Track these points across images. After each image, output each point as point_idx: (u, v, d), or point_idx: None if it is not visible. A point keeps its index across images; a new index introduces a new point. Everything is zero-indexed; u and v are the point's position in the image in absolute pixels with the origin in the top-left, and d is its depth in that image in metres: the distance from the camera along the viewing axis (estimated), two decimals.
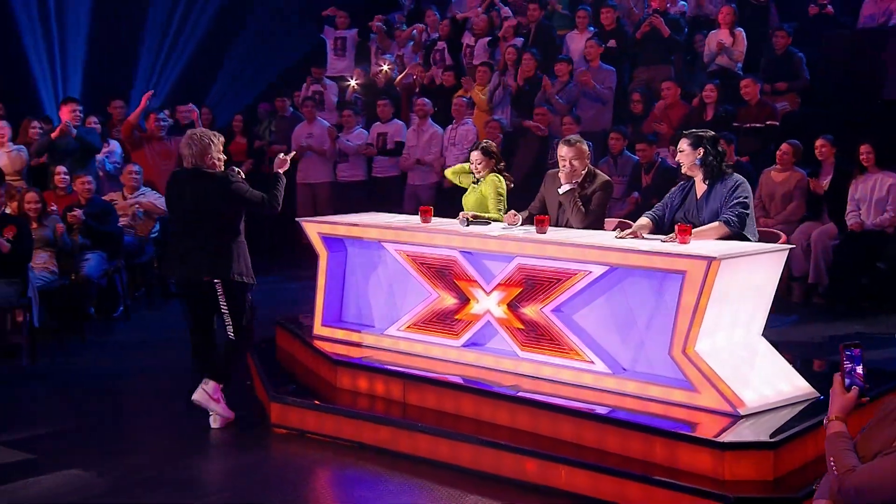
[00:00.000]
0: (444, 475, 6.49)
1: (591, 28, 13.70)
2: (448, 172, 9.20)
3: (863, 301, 10.21)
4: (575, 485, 5.95)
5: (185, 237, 7.29)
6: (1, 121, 12.14)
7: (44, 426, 7.79)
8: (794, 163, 10.87)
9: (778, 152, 10.96)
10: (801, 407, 6.25)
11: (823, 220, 10.61)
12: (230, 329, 7.21)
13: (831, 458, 3.81)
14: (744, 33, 12.70)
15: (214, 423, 7.21)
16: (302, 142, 13.45)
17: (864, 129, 10.80)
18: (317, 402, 7.58)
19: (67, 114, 12.04)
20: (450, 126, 13.00)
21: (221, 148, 7.33)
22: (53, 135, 11.86)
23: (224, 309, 7.17)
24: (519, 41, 13.96)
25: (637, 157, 11.57)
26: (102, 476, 6.57)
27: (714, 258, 6.07)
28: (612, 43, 13.52)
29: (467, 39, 14.83)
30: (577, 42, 13.46)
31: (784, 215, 10.70)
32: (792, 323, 10.00)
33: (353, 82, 14.83)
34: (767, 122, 11.67)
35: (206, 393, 7.13)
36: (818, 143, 10.72)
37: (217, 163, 7.22)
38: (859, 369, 3.95)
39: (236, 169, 7.41)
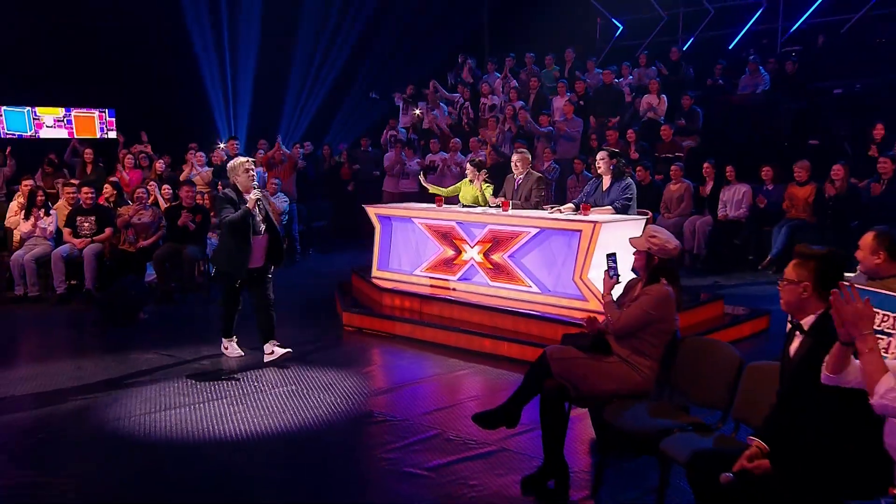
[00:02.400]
0: (440, 350, 7.18)
1: (568, 93, 13.53)
2: (436, 189, 9.27)
3: (724, 264, 10.32)
4: (512, 352, 6.74)
5: None
6: (200, 151, 12.27)
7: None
8: (682, 177, 10.82)
9: (672, 168, 10.89)
10: None
11: (704, 213, 10.72)
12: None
13: (608, 314, 4.50)
14: (665, 97, 12.74)
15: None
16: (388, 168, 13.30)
17: (731, 158, 10.84)
18: (370, 310, 8.23)
19: (232, 147, 12.34)
20: (470, 154, 12.41)
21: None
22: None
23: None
24: (520, 104, 13.60)
25: (592, 175, 11.72)
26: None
27: (598, 223, 6.81)
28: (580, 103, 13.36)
29: (484, 100, 14.50)
30: (558, 102, 13.37)
31: (678, 211, 10.75)
32: (683, 275, 10.36)
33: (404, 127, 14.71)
34: (676, 154, 11.68)
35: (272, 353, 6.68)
36: (705, 166, 10.90)
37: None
38: (616, 267, 4.67)
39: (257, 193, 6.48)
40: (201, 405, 5.73)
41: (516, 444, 4.96)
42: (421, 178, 10.12)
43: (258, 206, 6.51)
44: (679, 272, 4.68)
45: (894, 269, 4.31)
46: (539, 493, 4.36)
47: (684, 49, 14.80)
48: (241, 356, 6.84)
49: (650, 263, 4.51)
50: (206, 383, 6.24)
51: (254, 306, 6.75)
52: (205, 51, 15.73)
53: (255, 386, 6.19)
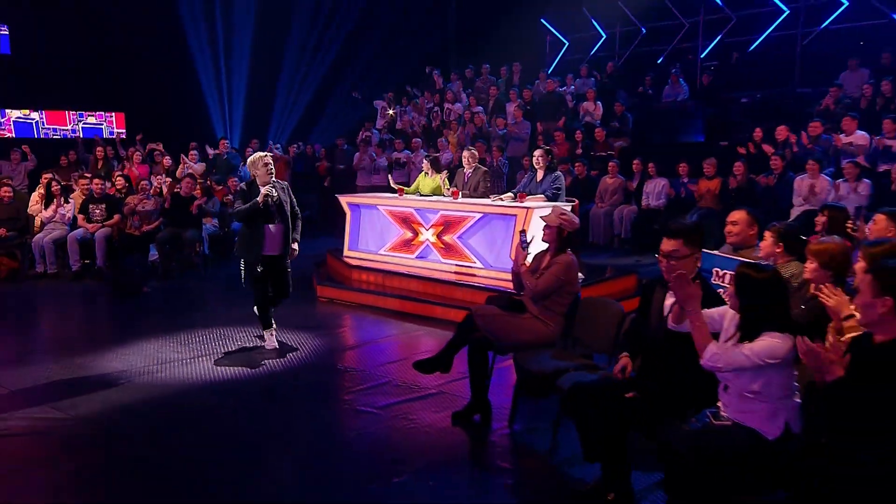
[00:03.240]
0: (399, 316, 7.45)
1: (519, 99, 13.80)
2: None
3: (645, 246, 10.15)
4: (458, 317, 6.30)
5: None
6: (194, 149, 12.45)
7: (215, 297, 8.61)
8: (617, 172, 11.31)
9: (609, 165, 11.35)
10: None
11: (631, 203, 11.12)
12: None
13: (526, 281, 4.80)
14: (601, 104, 13.08)
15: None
16: (361, 164, 13.46)
17: (655, 156, 11.11)
18: (340, 284, 8.44)
19: (223, 145, 12.62)
20: (440, 152, 12.64)
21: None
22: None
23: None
24: (479, 108, 13.98)
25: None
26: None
27: (530, 209, 7.11)
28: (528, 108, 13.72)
29: (449, 106, 14.66)
30: (510, 107, 13.65)
31: (611, 201, 11.18)
32: (612, 255, 10.47)
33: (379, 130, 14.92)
34: (609, 153, 12.06)
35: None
36: (634, 163, 11.29)
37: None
38: (527, 242, 4.98)
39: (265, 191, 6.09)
40: (192, 360, 6.02)
41: (451, 388, 5.31)
42: (390, 178, 10.27)
43: (269, 198, 6.09)
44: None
45: (754, 241, 4.71)
46: (465, 425, 4.72)
47: (619, 63, 15.08)
48: (276, 349, 6.27)
49: (560, 236, 4.88)
50: (197, 343, 6.50)
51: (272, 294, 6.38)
52: (202, 60, 15.79)
53: (238, 345, 6.48)
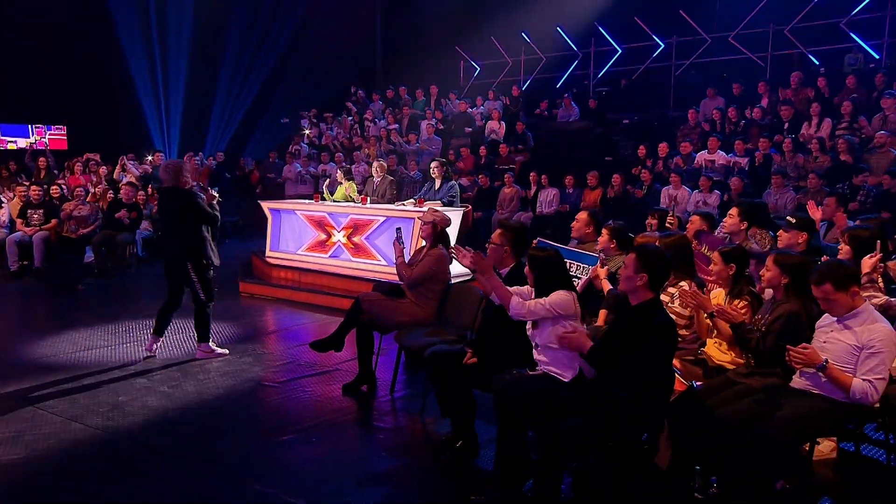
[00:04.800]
0: (312, 308, 7.75)
1: (434, 118, 14.25)
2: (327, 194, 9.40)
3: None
4: None
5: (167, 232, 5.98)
6: (132, 159, 12.29)
7: (146, 293, 8.61)
8: (513, 182, 11.54)
9: (505, 177, 11.62)
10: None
11: (527, 210, 11.37)
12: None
13: (402, 271, 5.22)
14: (504, 124, 13.56)
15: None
16: (289, 175, 13.63)
17: (549, 169, 11.45)
18: (260, 280, 8.75)
19: (158, 158, 12.54)
20: (354, 164, 12.91)
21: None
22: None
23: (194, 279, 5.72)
24: (395, 126, 14.34)
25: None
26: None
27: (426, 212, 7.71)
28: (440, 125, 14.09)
29: (368, 123, 14.94)
30: (424, 124, 13.73)
31: (509, 209, 11.37)
32: None
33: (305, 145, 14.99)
34: (510, 166, 12.32)
35: (203, 352, 5.90)
36: (531, 175, 11.63)
37: (188, 182, 5.73)
38: (402, 237, 5.38)
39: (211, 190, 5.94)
40: (119, 346, 6.25)
41: (345, 367, 5.69)
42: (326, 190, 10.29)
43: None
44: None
45: (593, 237, 5.28)
46: (353, 395, 5.13)
47: (523, 87, 15.73)
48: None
49: (434, 232, 5.34)
50: (124, 331, 6.73)
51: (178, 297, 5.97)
52: (140, 76, 15.68)
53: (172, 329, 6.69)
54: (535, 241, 5.59)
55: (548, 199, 11.52)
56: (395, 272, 5.50)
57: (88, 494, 3.70)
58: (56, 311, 7.87)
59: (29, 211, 9.73)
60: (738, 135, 10.71)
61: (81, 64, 14.37)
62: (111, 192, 10.85)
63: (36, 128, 14.87)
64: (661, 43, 13.99)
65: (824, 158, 9.33)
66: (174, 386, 5.27)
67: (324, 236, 8.70)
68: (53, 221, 9.74)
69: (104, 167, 12.35)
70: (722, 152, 10.43)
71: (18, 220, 9.77)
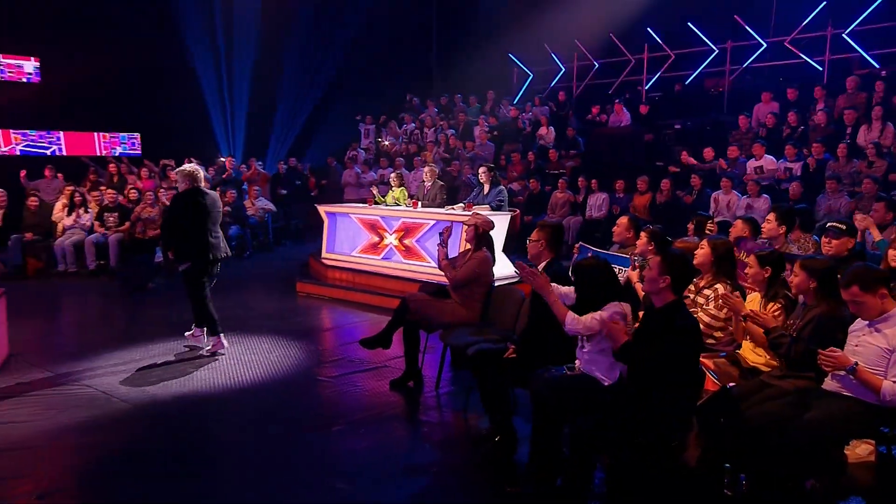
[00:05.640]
0: (365, 308, 7.99)
1: (486, 124, 14.35)
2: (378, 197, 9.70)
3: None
4: None
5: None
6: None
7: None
8: (566, 188, 11.69)
9: (559, 182, 11.77)
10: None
11: (577, 215, 11.44)
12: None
13: (447, 273, 5.32)
14: (553, 129, 13.61)
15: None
16: (347, 180, 14.16)
17: (600, 174, 11.60)
18: (316, 280, 8.99)
19: (229, 162, 13.23)
20: (413, 171, 13.39)
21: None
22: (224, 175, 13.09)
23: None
24: (450, 131, 14.69)
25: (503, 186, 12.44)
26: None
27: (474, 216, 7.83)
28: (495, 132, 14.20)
29: (426, 129, 15.29)
30: (477, 131, 14.10)
31: (560, 213, 11.48)
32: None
33: (365, 148, 15.52)
34: (561, 171, 12.50)
35: (192, 336, 6.21)
36: (580, 180, 11.72)
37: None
38: (444, 240, 5.45)
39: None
40: (183, 339, 6.59)
41: (393, 363, 5.87)
42: (376, 191, 10.78)
43: None
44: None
45: (634, 241, 5.32)
46: (400, 390, 5.30)
47: (576, 93, 15.70)
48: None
49: (477, 234, 5.46)
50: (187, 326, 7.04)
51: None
52: (209, 87, 16.16)
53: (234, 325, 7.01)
54: (576, 245, 5.68)
55: (597, 204, 11.52)
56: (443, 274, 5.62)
57: (156, 478, 3.96)
58: (130, 307, 8.30)
59: (105, 214, 10.30)
60: (795, 140, 10.48)
61: (155, 76, 14.99)
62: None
63: (112, 136, 15.58)
64: (714, 48, 13.77)
65: (881, 163, 9.07)
66: (234, 377, 5.55)
67: (376, 239, 8.92)
68: (126, 224, 10.26)
69: (173, 172, 12.91)
70: (771, 157, 10.23)
71: (96, 223, 10.35)
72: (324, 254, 9.51)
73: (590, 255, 5.19)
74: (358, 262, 9.02)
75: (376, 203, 9.39)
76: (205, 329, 6.18)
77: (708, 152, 10.97)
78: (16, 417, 4.67)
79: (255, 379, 5.54)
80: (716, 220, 9.65)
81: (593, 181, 11.59)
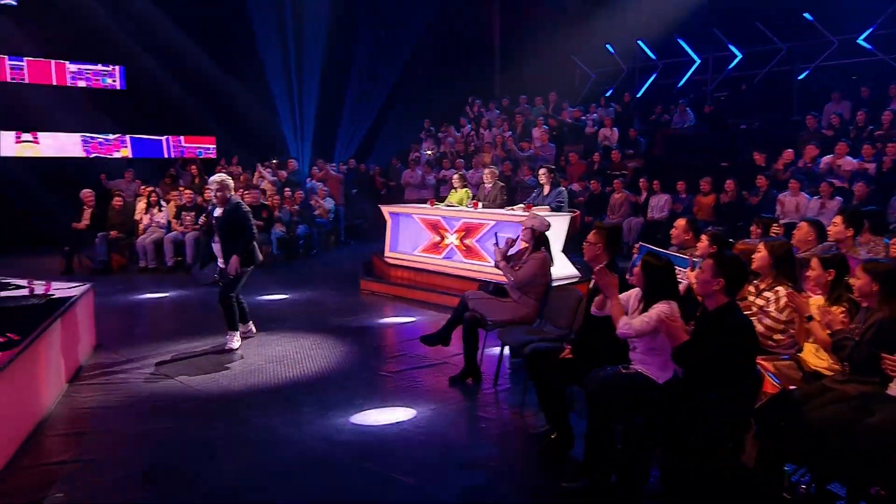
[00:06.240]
0: (426, 305, 8.13)
1: (545, 126, 14.12)
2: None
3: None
4: None
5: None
6: (268, 167, 13.53)
7: (276, 287, 9.12)
8: (623, 188, 11.70)
9: (615, 182, 11.78)
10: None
11: (639, 216, 11.44)
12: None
13: (506, 273, 5.46)
14: (617, 130, 13.53)
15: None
16: (410, 180, 14.27)
17: (662, 175, 11.48)
18: (379, 278, 9.23)
19: (293, 164, 13.60)
20: (472, 171, 13.16)
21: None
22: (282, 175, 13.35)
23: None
24: (509, 133, 14.57)
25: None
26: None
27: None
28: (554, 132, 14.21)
29: (484, 131, 15.31)
30: (537, 132, 13.91)
31: (620, 214, 11.54)
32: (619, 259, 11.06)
33: (429, 153, 15.51)
34: (622, 172, 12.44)
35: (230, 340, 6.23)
36: (641, 181, 11.61)
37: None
38: (502, 245, 5.57)
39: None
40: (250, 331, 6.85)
41: (452, 360, 5.94)
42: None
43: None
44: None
45: (693, 243, 5.25)
46: (459, 386, 5.39)
47: (638, 94, 15.47)
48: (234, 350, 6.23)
49: (534, 236, 5.51)
50: (264, 319, 7.33)
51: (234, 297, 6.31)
52: (279, 90, 16.62)
53: (301, 320, 7.27)
54: (636, 246, 5.63)
55: (659, 205, 11.38)
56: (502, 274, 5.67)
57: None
58: (205, 300, 8.60)
59: (182, 213, 10.77)
60: (866, 139, 10.08)
61: (229, 81, 15.55)
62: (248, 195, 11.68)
63: (187, 138, 16.27)
64: (782, 46, 13.34)
65: None
66: (300, 370, 5.75)
67: (438, 238, 9.02)
68: (202, 221, 10.65)
69: (244, 174, 13.38)
70: (849, 157, 9.86)
71: (174, 221, 10.84)
72: (387, 252, 9.67)
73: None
74: (420, 260, 9.14)
75: (438, 204, 9.49)
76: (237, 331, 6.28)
77: (788, 154, 10.60)
78: (102, 403, 4.98)
79: (319, 372, 5.72)
80: (781, 221, 9.43)
81: (655, 182, 11.44)
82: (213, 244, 6.29)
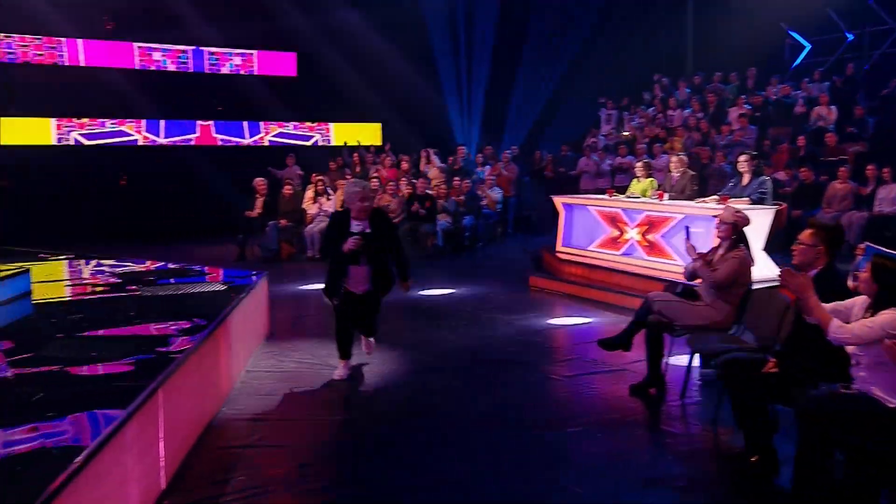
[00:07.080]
0: (601, 306, 8.03)
1: (746, 106, 13.49)
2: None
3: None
4: None
5: None
6: (436, 154, 14.13)
7: (439, 281, 9.37)
8: (848, 178, 10.76)
9: (840, 170, 10.77)
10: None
11: (862, 209, 10.43)
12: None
13: (702, 273, 5.23)
14: (836, 109, 12.59)
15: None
16: (585, 168, 14.14)
17: (893, 160, 10.55)
18: (549, 275, 9.29)
19: (462, 151, 13.97)
20: (654, 158, 12.49)
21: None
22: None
23: None
24: (701, 114, 14.12)
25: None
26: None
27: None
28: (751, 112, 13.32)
29: (672, 113, 14.84)
30: (734, 113, 13.40)
31: (839, 207, 10.54)
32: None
33: (611, 135, 15.30)
34: (841, 157, 11.56)
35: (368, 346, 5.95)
36: (869, 168, 10.72)
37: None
38: (690, 237, 5.46)
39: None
40: (417, 329, 7.15)
41: (633, 367, 5.81)
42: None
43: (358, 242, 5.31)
44: None
45: None
46: (641, 396, 5.28)
47: (866, 67, 14.14)
48: (343, 378, 5.67)
49: (735, 231, 5.28)
50: (423, 314, 7.65)
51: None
52: (447, 75, 17.14)
53: (466, 318, 7.51)
54: (861, 246, 5.21)
55: (889, 197, 10.43)
56: None
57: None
58: None
59: None
60: None
61: (397, 67, 16.31)
62: (409, 185, 12.18)
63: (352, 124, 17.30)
64: None
65: None
66: (467, 370, 5.94)
67: (617, 233, 8.90)
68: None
69: (406, 162, 13.93)
70: None
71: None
72: (558, 247, 9.69)
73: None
74: (595, 256, 9.06)
75: (617, 194, 9.35)
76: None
77: None
78: (274, 391, 5.44)
79: (487, 373, 5.86)
80: None
81: (884, 170, 10.44)
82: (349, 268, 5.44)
